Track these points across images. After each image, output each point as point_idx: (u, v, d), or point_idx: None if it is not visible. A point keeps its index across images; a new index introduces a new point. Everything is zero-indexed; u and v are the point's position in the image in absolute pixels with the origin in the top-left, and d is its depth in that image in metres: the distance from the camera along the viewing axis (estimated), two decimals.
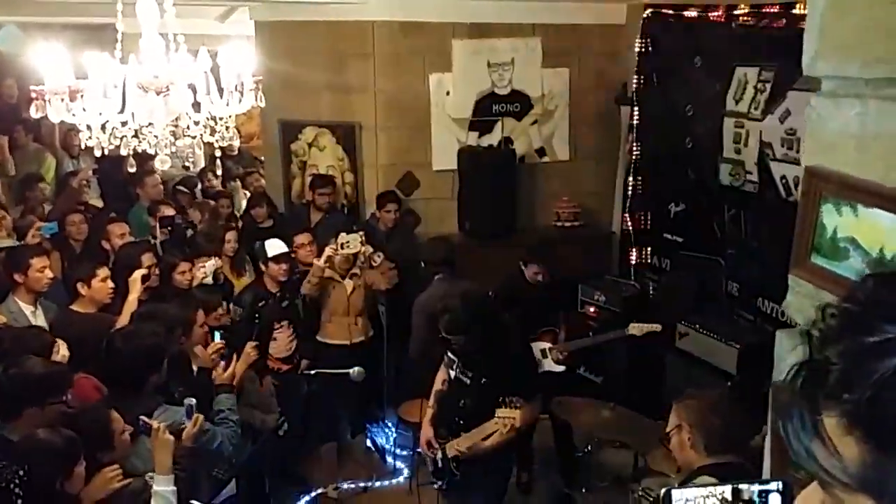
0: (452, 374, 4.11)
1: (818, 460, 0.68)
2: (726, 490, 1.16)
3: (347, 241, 5.08)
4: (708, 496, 1.17)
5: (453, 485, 4.09)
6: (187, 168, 8.66)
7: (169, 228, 5.86)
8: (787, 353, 1.73)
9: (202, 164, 8.93)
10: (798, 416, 0.70)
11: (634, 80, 6.53)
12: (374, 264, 5.33)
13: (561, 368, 5.25)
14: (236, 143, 3.69)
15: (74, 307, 4.35)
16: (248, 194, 8.17)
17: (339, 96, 6.60)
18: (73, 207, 6.54)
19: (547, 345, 5.25)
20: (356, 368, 3.80)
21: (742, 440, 2.78)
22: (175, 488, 2.94)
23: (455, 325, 3.84)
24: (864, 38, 1.45)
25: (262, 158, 8.47)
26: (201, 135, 3.44)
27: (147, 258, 4.74)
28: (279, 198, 7.07)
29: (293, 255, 5.44)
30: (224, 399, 3.83)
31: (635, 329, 5.11)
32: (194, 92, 3.41)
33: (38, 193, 6.72)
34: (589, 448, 4.97)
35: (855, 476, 0.65)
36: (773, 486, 1.13)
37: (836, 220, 1.54)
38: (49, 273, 4.56)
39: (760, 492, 1.14)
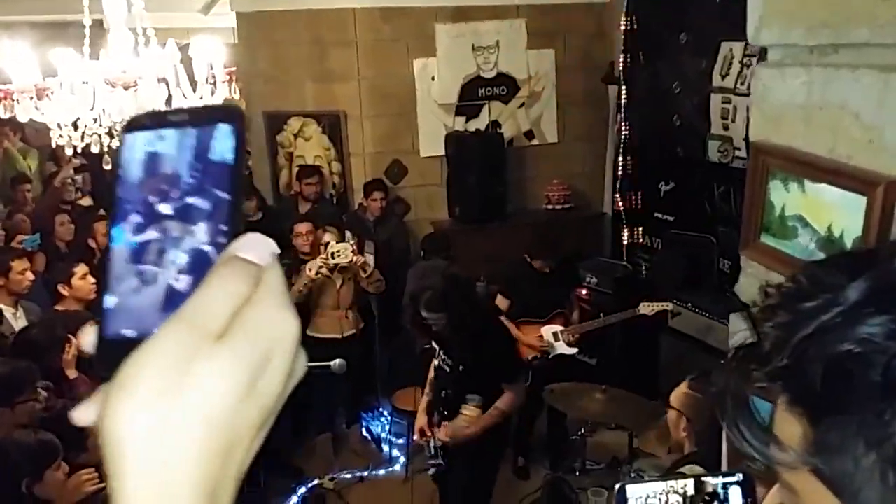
0: (436, 362, 4.14)
1: (755, 444, 0.65)
2: (688, 484, 1.11)
3: (338, 251, 4.98)
4: (669, 491, 1.13)
5: (441, 471, 4.10)
6: None
7: None
8: (741, 336, 1.70)
9: None
10: (732, 397, 0.67)
11: (621, 59, 6.46)
12: (364, 273, 5.26)
13: (573, 351, 5.23)
14: None
15: (59, 307, 4.33)
16: None
17: (322, 85, 6.53)
18: (58, 207, 6.50)
19: (558, 328, 5.21)
20: (337, 361, 3.76)
21: None
22: None
23: (433, 303, 3.84)
24: (808, 2, 1.39)
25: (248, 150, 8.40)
26: None
27: None
28: (267, 190, 7.02)
29: (289, 245, 5.41)
30: None
31: (646, 308, 5.05)
32: (167, 86, 3.37)
33: (23, 194, 6.68)
34: (582, 431, 4.95)
35: (797, 455, 0.61)
36: (735, 478, 1.10)
37: (784, 196, 1.48)
38: (30, 275, 4.54)
39: (724, 484, 1.10)
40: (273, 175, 7.02)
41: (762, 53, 1.59)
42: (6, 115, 3.21)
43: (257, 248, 0.47)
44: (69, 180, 6.89)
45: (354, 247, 5.14)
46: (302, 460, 5.48)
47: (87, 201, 7.37)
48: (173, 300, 0.47)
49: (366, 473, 5.44)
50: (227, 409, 0.44)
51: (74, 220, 6.07)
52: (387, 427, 5.79)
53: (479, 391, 3.93)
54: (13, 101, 3.18)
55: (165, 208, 0.49)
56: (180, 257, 0.48)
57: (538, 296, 5.15)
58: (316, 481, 5.28)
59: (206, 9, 8.37)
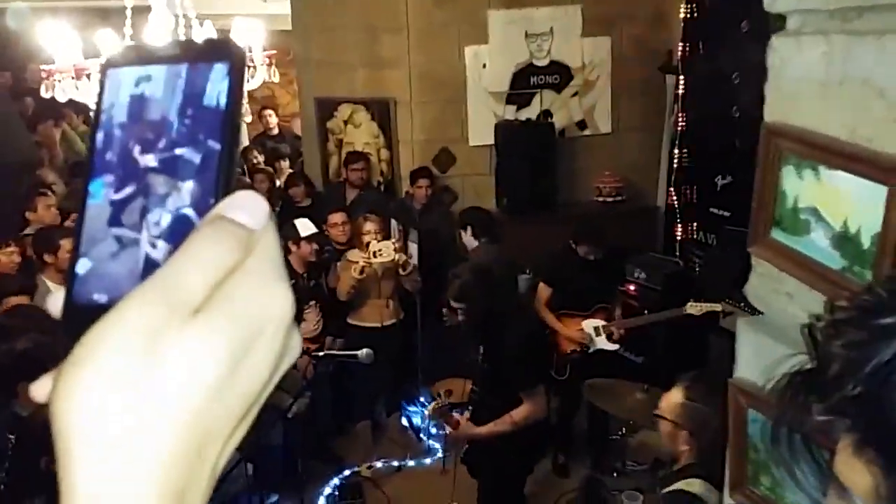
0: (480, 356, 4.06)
1: (812, 493, 0.54)
2: None
3: (380, 249, 4.97)
4: None
5: (473, 465, 4.12)
6: None
7: None
8: (747, 348, 1.54)
9: (246, 142, 9.01)
10: (787, 433, 0.55)
11: (680, 48, 6.23)
12: (403, 272, 5.22)
13: (614, 347, 5.09)
14: (248, 119, 3.63)
15: None
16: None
17: (373, 72, 6.50)
18: None
19: (600, 322, 5.09)
20: (364, 350, 3.73)
21: None
22: None
23: (460, 292, 3.78)
24: None
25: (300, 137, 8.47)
26: None
27: None
28: (317, 176, 7.04)
29: (325, 234, 5.40)
30: None
31: (693, 308, 4.86)
32: None
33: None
34: (623, 431, 4.81)
35: None
36: None
37: (798, 185, 1.32)
38: None
39: None
40: (323, 162, 7.03)
41: (781, 22, 1.44)
42: (47, 95, 3.26)
43: (249, 207, 0.40)
44: None
45: (397, 244, 5.10)
46: (341, 448, 5.49)
47: None
48: (152, 267, 0.41)
49: (403, 463, 5.42)
50: (200, 398, 0.37)
51: None
52: (426, 417, 5.75)
53: (501, 393, 3.83)
54: (55, 80, 3.22)
55: (150, 160, 0.43)
56: (164, 218, 0.42)
57: (582, 287, 5.01)
58: (353, 469, 5.28)
59: None
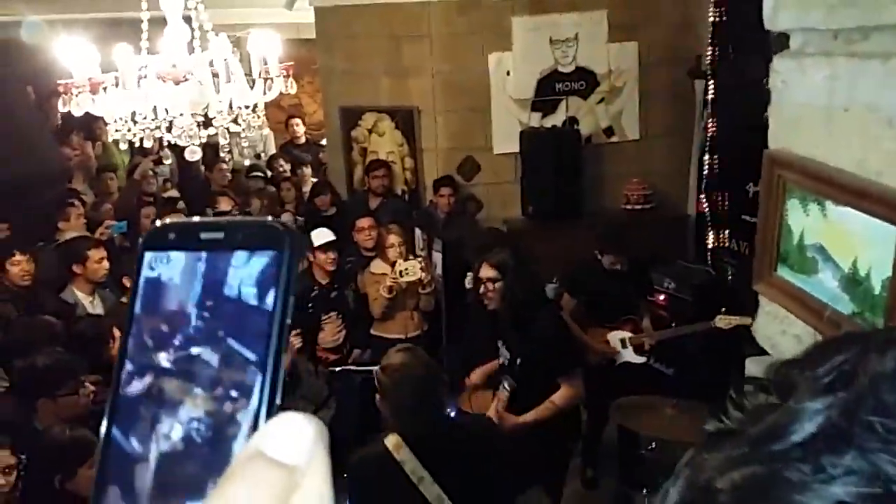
0: (500, 359, 4.03)
1: None
2: None
3: (406, 269, 4.96)
4: None
5: None
6: (259, 156, 8.82)
7: None
8: None
9: (272, 150, 9.03)
10: None
11: (709, 52, 6.09)
12: (423, 290, 5.18)
13: (641, 359, 4.98)
14: (266, 132, 3.60)
15: (124, 300, 4.41)
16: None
17: (396, 80, 6.46)
18: (141, 199, 6.69)
19: (627, 334, 4.97)
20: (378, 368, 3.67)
21: None
22: None
23: (499, 263, 3.80)
24: None
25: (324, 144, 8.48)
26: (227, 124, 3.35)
27: None
28: (342, 186, 7.01)
29: (352, 241, 5.39)
30: None
31: (722, 322, 4.71)
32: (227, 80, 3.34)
33: (106, 183, 6.92)
34: (653, 445, 4.68)
35: None
36: None
37: (803, 221, 1.21)
38: (106, 264, 4.67)
39: None
40: (347, 171, 7.00)
41: (783, 41, 1.33)
42: (64, 109, 3.25)
43: (293, 440, 0.35)
44: (150, 172, 7.08)
45: (423, 263, 5.07)
46: None
47: (173, 193, 7.57)
48: (164, 490, 0.36)
49: None
50: None
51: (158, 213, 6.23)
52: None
53: (537, 386, 3.79)
54: (72, 95, 3.21)
55: (164, 359, 0.37)
56: (175, 430, 0.36)
57: (607, 298, 4.91)
58: None
59: (290, 4, 8.47)
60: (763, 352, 1.56)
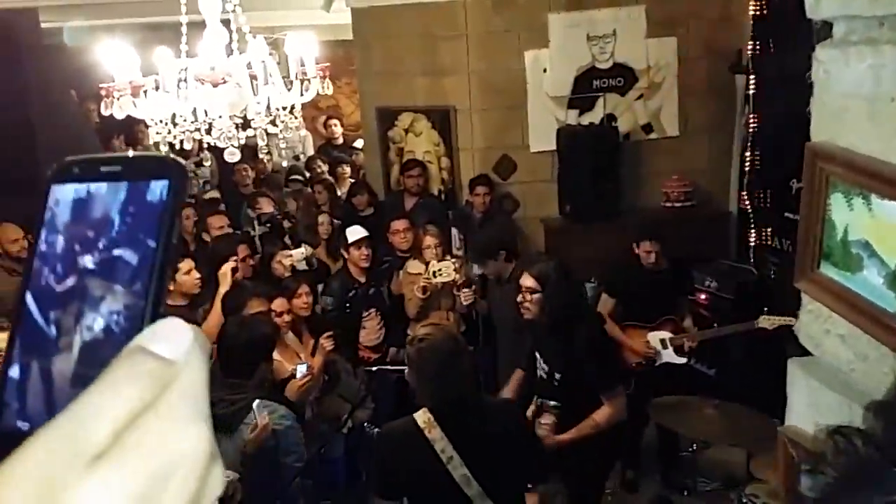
0: (539, 372, 3.95)
1: None
2: None
3: (440, 269, 4.95)
4: None
5: None
6: (298, 158, 8.90)
7: (268, 223, 5.96)
8: (798, 392, 1.38)
9: (311, 152, 9.10)
10: None
11: (750, 47, 5.97)
12: (457, 291, 5.17)
13: (682, 360, 4.91)
14: (303, 133, 3.62)
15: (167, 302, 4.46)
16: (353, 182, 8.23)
17: (432, 80, 6.46)
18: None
19: (667, 334, 4.91)
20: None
21: None
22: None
23: (540, 274, 3.73)
24: None
25: (361, 146, 8.51)
26: (266, 126, 3.37)
27: (242, 249, 4.80)
28: (379, 187, 7.03)
29: (387, 241, 5.40)
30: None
31: (766, 322, 4.63)
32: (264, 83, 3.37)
33: None
34: (694, 447, 4.61)
35: None
36: None
37: (848, 216, 1.16)
38: None
39: None
40: (385, 171, 7.02)
41: (826, 31, 1.29)
42: (106, 113, 3.31)
43: (172, 338, 0.39)
44: (190, 175, 7.18)
45: (457, 263, 5.06)
46: None
47: (214, 194, 7.68)
48: (79, 383, 0.40)
49: None
50: None
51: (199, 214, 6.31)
52: None
53: (578, 403, 3.72)
54: (114, 98, 3.27)
55: (88, 261, 0.43)
56: (97, 322, 0.42)
57: (647, 297, 4.83)
58: None
59: (327, 5, 8.52)
60: (806, 352, 1.52)
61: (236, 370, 3.46)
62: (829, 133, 1.22)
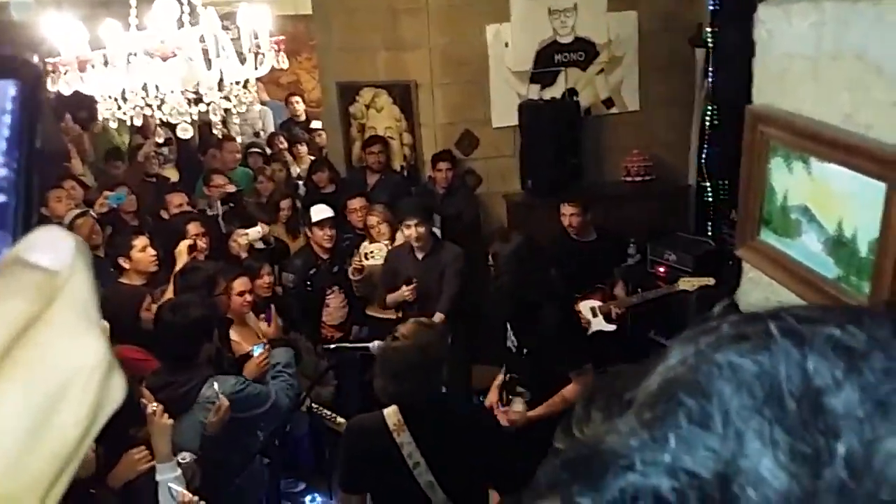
0: (508, 343, 4.00)
1: None
2: None
3: (371, 251, 4.96)
4: None
5: None
6: (258, 135, 8.77)
7: (230, 202, 5.89)
8: None
9: (272, 129, 8.98)
10: None
11: (709, 20, 6.01)
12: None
13: (612, 327, 4.97)
14: (258, 107, 3.56)
15: (122, 280, 4.39)
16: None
17: (393, 54, 6.39)
18: (143, 180, 6.67)
19: (597, 303, 4.97)
20: (376, 342, 3.67)
21: None
22: (179, 474, 2.84)
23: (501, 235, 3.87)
24: None
25: (319, 126, 8.43)
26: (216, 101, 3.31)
27: (193, 227, 4.73)
28: (340, 163, 6.97)
29: (346, 219, 5.36)
30: (280, 353, 3.81)
31: (686, 284, 4.86)
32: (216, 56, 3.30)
33: (112, 170, 6.93)
34: None
35: None
36: None
37: (787, 180, 1.16)
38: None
39: None
40: (346, 147, 6.96)
41: None
42: (53, 88, 3.22)
43: (53, 246, 0.37)
44: (152, 153, 7.06)
45: (389, 244, 5.04)
46: None
47: (173, 173, 7.55)
48: None
49: None
50: None
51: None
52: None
53: (544, 378, 3.77)
54: (60, 73, 3.18)
55: None
56: None
57: (579, 268, 4.90)
58: None
59: None
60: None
61: (176, 355, 3.41)
62: (771, 95, 1.22)
